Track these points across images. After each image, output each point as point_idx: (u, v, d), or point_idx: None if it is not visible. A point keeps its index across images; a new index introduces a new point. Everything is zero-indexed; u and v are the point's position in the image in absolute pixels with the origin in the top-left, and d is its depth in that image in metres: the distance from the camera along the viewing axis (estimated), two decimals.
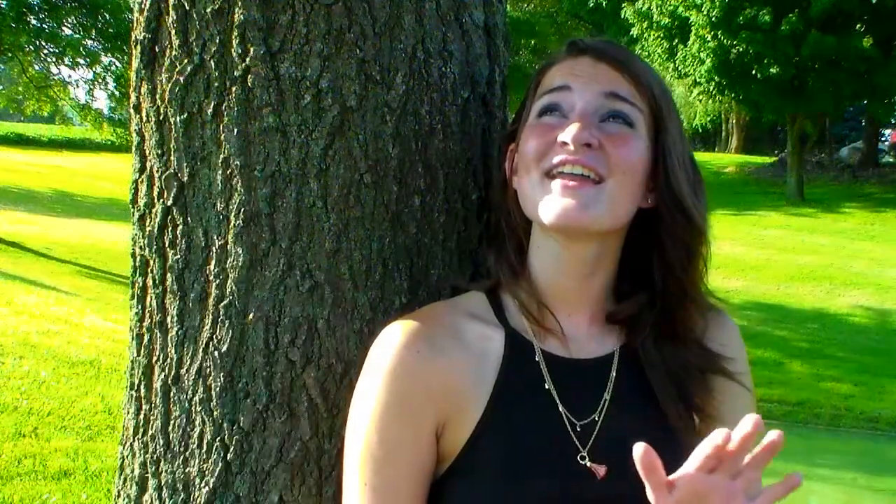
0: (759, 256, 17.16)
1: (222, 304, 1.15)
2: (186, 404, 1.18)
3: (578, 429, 1.06)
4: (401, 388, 1.04)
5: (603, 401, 1.08)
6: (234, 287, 1.15)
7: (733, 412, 1.13)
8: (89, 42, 17.64)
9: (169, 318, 1.19)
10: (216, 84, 1.14)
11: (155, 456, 1.21)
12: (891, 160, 26.35)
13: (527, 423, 1.05)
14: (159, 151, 1.19)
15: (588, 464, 1.05)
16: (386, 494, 1.03)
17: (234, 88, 1.13)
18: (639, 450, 0.86)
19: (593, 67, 1.10)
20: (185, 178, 1.17)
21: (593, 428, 1.07)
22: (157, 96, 1.18)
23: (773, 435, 0.87)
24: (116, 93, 17.67)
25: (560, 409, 1.06)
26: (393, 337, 1.06)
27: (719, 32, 19.25)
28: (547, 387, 1.07)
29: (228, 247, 1.15)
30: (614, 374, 1.10)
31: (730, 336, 1.17)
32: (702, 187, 1.13)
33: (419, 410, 1.04)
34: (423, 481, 1.05)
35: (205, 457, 1.17)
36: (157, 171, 1.19)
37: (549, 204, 1.04)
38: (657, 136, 1.09)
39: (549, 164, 1.05)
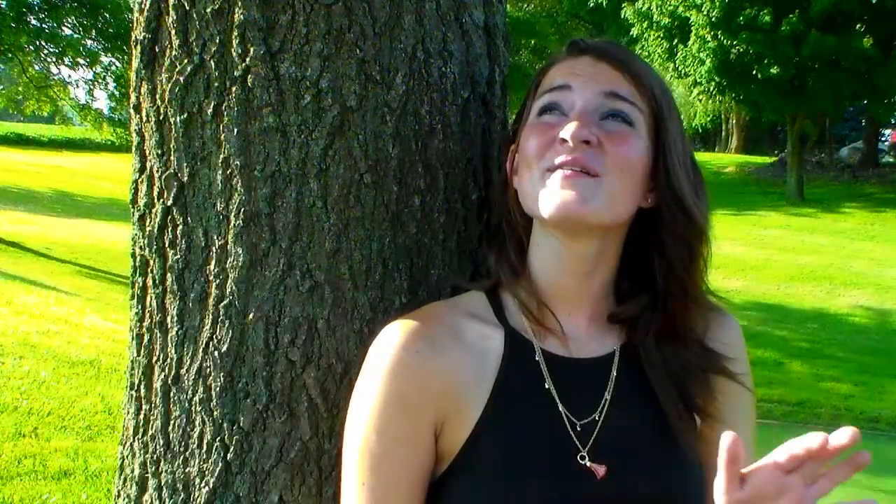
0: (759, 256, 17.16)
1: (222, 304, 1.15)
2: (186, 404, 1.18)
3: (578, 428, 1.06)
4: (400, 386, 1.04)
5: (603, 400, 1.08)
6: (234, 287, 1.15)
7: (734, 412, 1.14)
8: (89, 42, 17.64)
9: (169, 318, 1.19)
10: (216, 84, 1.14)
11: (155, 456, 1.21)
12: (891, 160, 26.35)
13: (526, 422, 1.05)
14: (159, 151, 1.19)
15: (588, 463, 1.05)
16: (383, 493, 1.03)
17: (234, 88, 1.13)
18: (727, 438, 0.84)
19: (593, 67, 1.10)
20: (185, 178, 1.17)
21: (593, 428, 1.07)
22: (157, 96, 1.18)
23: (863, 453, 0.85)
24: (116, 93, 17.66)
25: (560, 409, 1.06)
26: (392, 336, 1.06)
27: (719, 32, 19.26)
28: (547, 386, 1.07)
29: (228, 247, 1.15)
30: (615, 374, 1.10)
31: (732, 335, 1.17)
32: (703, 187, 1.13)
33: (418, 409, 1.04)
34: (421, 480, 1.05)
35: (205, 457, 1.17)
36: (157, 171, 1.19)
37: (549, 197, 1.04)
38: (657, 136, 1.09)
39: (549, 163, 1.05)
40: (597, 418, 1.07)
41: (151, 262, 1.21)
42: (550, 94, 1.10)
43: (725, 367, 1.12)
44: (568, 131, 1.04)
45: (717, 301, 1.17)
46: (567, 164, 1.04)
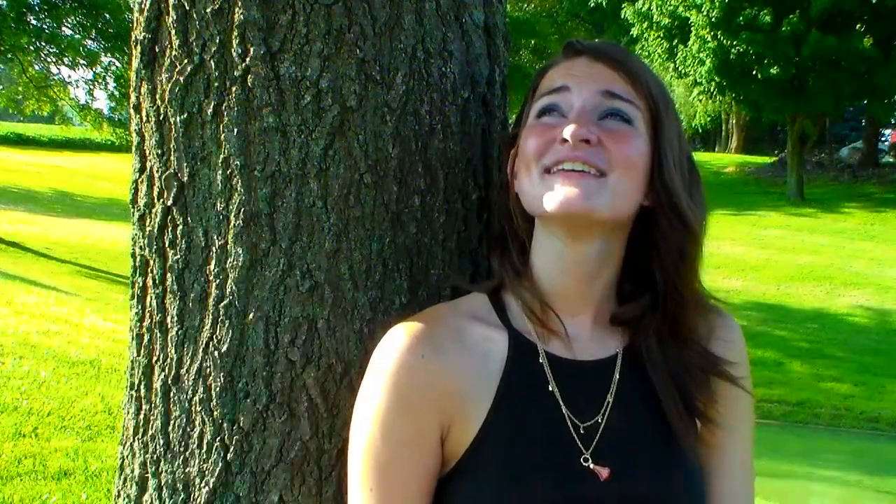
0: (759, 256, 17.18)
1: (222, 304, 1.15)
2: (186, 404, 1.18)
3: (582, 430, 1.06)
4: (404, 390, 1.03)
5: (606, 402, 1.08)
6: (234, 287, 1.15)
7: (734, 416, 1.14)
8: (89, 42, 17.64)
9: (169, 318, 1.19)
10: (216, 84, 1.14)
11: (155, 456, 1.21)
12: (891, 160, 26.36)
13: (530, 424, 1.05)
14: (159, 151, 1.19)
15: (591, 465, 1.04)
16: (389, 497, 1.03)
17: (234, 88, 1.13)
18: None
19: (590, 67, 1.10)
20: (185, 178, 1.17)
21: (597, 430, 1.06)
22: (157, 96, 1.18)
23: None
24: (116, 93, 17.68)
25: (563, 411, 1.06)
26: (396, 340, 1.05)
27: (719, 33, 19.28)
28: (550, 388, 1.07)
29: (228, 247, 1.15)
30: (617, 376, 1.10)
31: (734, 336, 1.17)
32: (698, 187, 1.13)
33: (423, 413, 1.04)
34: (427, 484, 1.05)
35: (205, 457, 1.17)
36: (157, 171, 1.19)
37: (552, 194, 1.04)
38: (655, 134, 1.09)
39: (549, 161, 1.05)
40: (600, 420, 1.07)
41: (151, 262, 1.21)
42: (549, 97, 1.10)
43: (726, 370, 1.12)
44: (568, 131, 1.04)
45: (717, 302, 1.17)
46: (568, 160, 1.04)
